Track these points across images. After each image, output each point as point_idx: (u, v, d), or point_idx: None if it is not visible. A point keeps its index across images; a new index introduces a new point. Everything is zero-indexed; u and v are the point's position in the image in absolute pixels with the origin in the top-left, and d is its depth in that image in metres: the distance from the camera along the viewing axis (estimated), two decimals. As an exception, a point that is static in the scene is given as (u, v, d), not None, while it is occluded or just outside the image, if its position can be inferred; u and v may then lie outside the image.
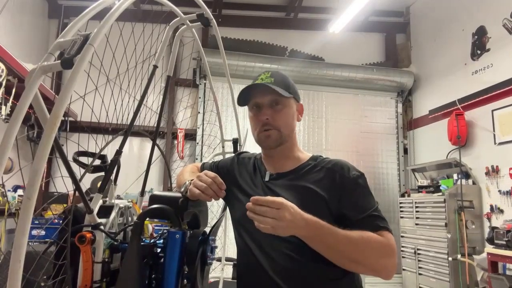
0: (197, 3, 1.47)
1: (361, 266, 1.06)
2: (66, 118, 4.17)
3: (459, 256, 4.13)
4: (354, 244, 1.02)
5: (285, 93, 1.21)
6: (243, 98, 1.28)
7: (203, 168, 1.44)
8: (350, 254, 1.03)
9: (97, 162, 1.18)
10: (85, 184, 1.22)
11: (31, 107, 0.78)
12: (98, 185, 1.10)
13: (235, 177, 1.35)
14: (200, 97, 5.57)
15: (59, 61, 0.77)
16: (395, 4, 6.07)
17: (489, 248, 3.72)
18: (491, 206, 4.24)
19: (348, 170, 1.19)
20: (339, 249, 1.02)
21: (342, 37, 5.76)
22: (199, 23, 1.46)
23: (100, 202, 1.11)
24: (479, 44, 4.64)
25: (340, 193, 1.15)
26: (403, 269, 5.02)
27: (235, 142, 2.23)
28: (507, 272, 3.82)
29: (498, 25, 4.34)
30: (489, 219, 4.26)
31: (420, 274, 4.68)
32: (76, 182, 0.97)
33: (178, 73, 5.50)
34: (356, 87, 5.93)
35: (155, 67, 1.40)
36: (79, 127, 3.87)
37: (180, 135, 5.34)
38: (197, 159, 5.38)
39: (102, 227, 1.02)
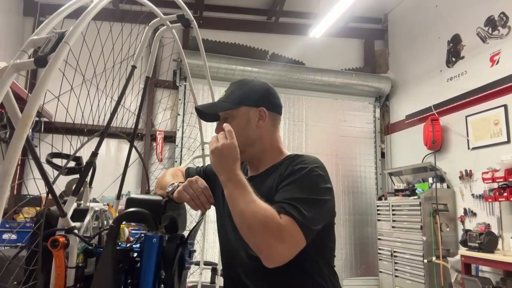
0: (178, 4, 1.46)
1: (250, 235, 0.99)
2: (41, 119, 4.06)
3: (434, 258, 4.23)
4: (253, 205, 0.98)
5: (225, 106, 1.21)
6: (204, 117, 1.31)
7: (187, 173, 1.40)
8: (244, 215, 0.98)
9: (72, 164, 1.15)
10: (60, 187, 1.18)
11: (2, 106, 0.76)
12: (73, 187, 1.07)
13: None
14: (180, 99, 5.52)
15: (33, 59, 0.75)
16: (374, 11, 6.18)
17: (462, 251, 3.82)
18: (465, 210, 4.35)
19: (299, 162, 1.14)
20: (238, 204, 0.99)
21: (322, 42, 5.83)
22: (179, 24, 1.45)
23: (75, 205, 1.09)
24: (454, 51, 4.78)
25: (281, 181, 1.12)
26: (380, 271, 5.10)
27: (215, 144, 2.21)
28: (480, 274, 3.93)
29: (472, 34, 4.48)
30: (462, 222, 4.37)
31: (396, 276, 4.75)
32: (49, 184, 0.94)
33: (157, 74, 5.43)
34: (335, 92, 6.01)
35: (134, 67, 1.38)
36: (53, 128, 3.76)
37: (159, 137, 5.27)
38: (176, 161, 5.32)
39: (76, 231, 1.00)
